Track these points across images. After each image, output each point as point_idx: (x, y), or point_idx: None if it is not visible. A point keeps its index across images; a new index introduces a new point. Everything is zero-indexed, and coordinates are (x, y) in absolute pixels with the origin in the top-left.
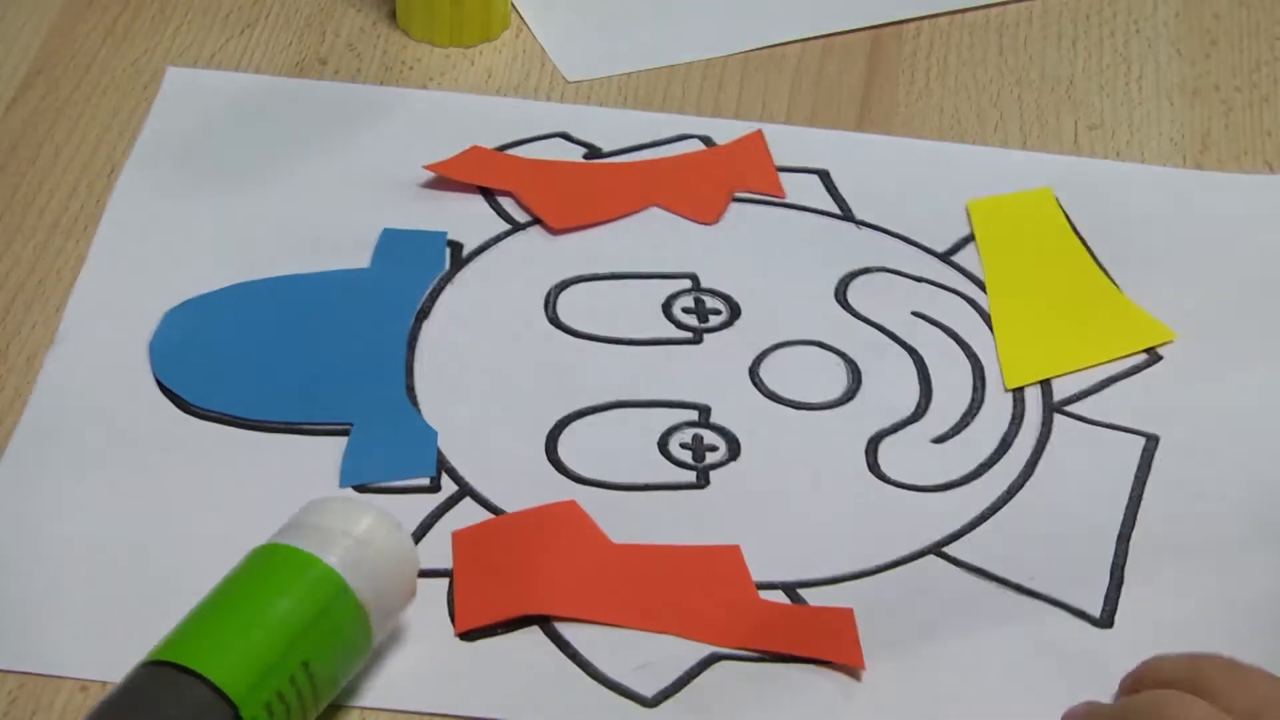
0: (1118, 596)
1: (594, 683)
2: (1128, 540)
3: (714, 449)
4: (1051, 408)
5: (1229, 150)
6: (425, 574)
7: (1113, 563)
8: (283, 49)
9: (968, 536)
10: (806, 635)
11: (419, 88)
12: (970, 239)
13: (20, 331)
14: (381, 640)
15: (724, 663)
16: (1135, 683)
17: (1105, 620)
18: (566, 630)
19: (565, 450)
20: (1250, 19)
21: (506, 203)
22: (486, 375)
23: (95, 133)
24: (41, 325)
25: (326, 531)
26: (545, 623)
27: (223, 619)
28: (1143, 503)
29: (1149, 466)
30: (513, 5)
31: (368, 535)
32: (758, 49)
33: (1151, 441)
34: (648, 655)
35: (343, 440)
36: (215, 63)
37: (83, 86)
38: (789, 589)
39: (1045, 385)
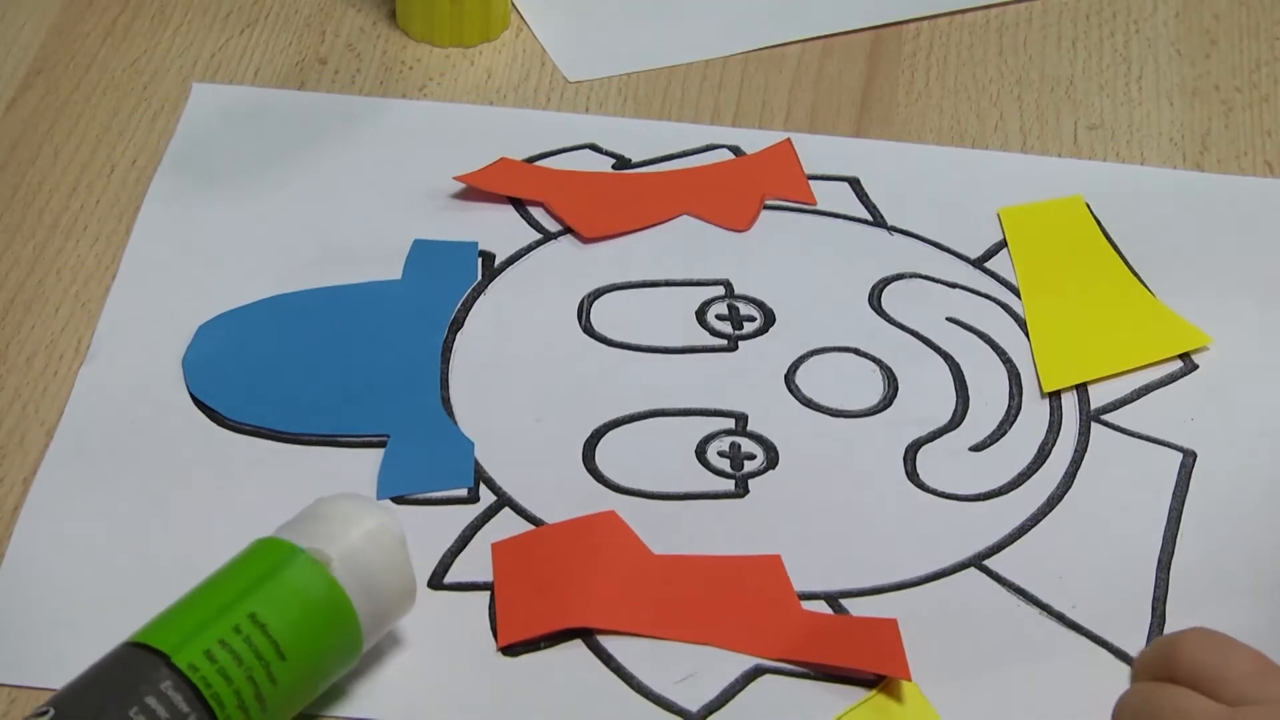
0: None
1: (638, 696)
2: (1168, 569)
3: (752, 457)
4: (1089, 416)
5: (1229, 150)
6: (465, 587)
7: (1154, 595)
8: (282, 49)
9: (1008, 550)
10: (851, 646)
11: (418, 88)
12: (1002, 245)
13: (20, 332)
14: (375, 611)
15: (768, 676)
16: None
17: None
18: (609, 643)
19: (603, 460)
20: (1250, 19)
21: (537, 212)
22: (522, 385)
23: (95, 133)
24: (40, 326)
25: (309, 519)
26: (588, 635)
27: (185, 599)
28: (1181, 525)
29: (1187, 485)
30: (513, 5)
31: (338, 510)
32: (758, 49)
33: (1189, 458)
34: (691, 668)
35: (380, 452)
36: (215, 63)
37: (83, 86)
38: (831, 599)
39: (1082, 393)
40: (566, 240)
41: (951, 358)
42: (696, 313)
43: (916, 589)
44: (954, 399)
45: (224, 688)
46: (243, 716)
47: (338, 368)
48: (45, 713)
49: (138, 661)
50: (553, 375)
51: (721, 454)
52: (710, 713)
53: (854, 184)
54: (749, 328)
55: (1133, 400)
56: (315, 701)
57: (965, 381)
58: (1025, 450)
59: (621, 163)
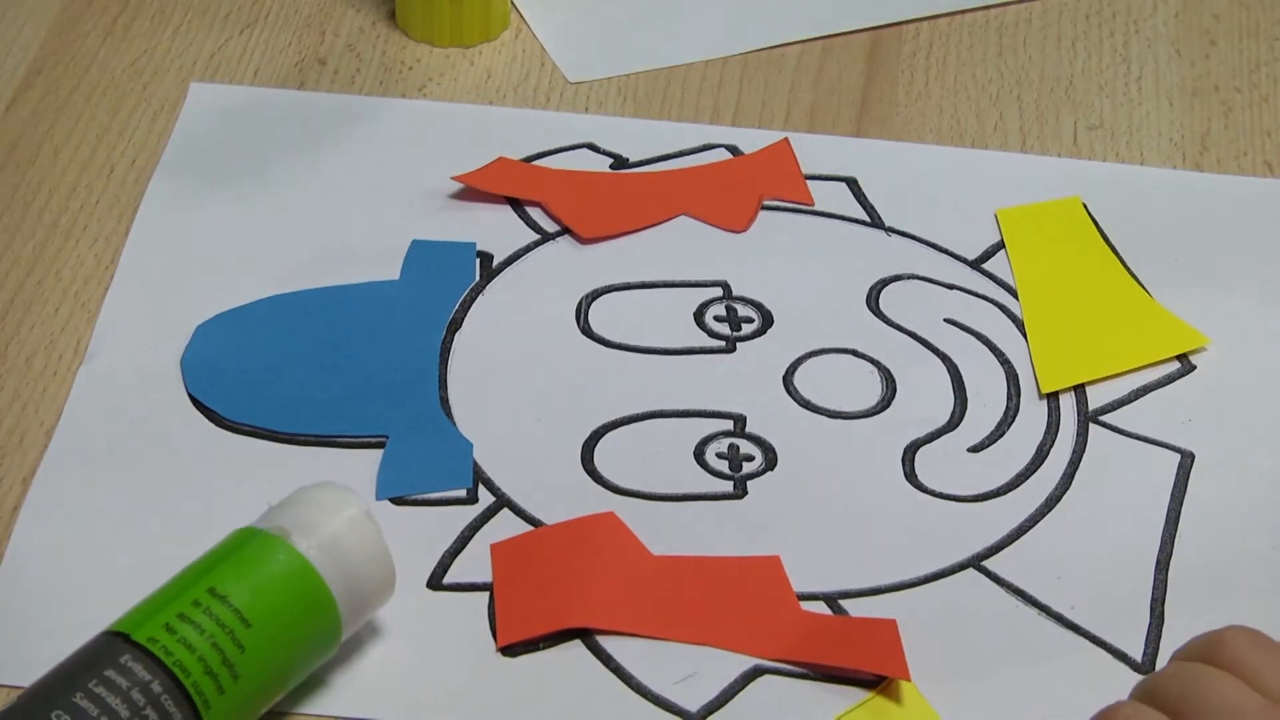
0: (1159, 638)
1: (638, 697)
2: (1166, 570)
3: (750, 458)
4: (1087, 417)
5: (1228, 150)
6: (464, 587)
7: (1152, 597)
8: (282, 49)
9: (1007, 550)
10: (850, 647)
11: (418, 88)
12: (1000, 246)
13: (19, 332)
14: (354, 591)
15: (767, 676)
16: None
17: (1147, 665)
18: (609, 644)
19: (602, 461)
20: (1250, 19)
21: (535, 213)
22: (520, 386)
23: (95, 133)
24: (40, 326)
25: (284, 506)
26: (587, 636)
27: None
28: (1179, 527)
29: (1185, 486)
30: (513, 5)
31: (313, 497)
32: (757, 49)
33: (1187, 459)
34: (690, 668)
35: (378, 453)
36: (215, 63)
37: (82, 86)
38: (830, 600)
39: (1080, 394)
40: (565, 241)
41: (949, 359)
42: (695, 314)
43: (915, 590)
44: (952, 400)
45: (186, 655)
46: (211, 681)
47: (336, 368)
48: (12, 703)
49: (101, 645)
50: (551, 376)
51: (720, 455)
52: (710, 713)
53: (852, 184)
54: (747, 329)
55: (1131, 401)
56: (314, 701)
57: (963, 382)
58: (1023, 451)
59: (619, 162)
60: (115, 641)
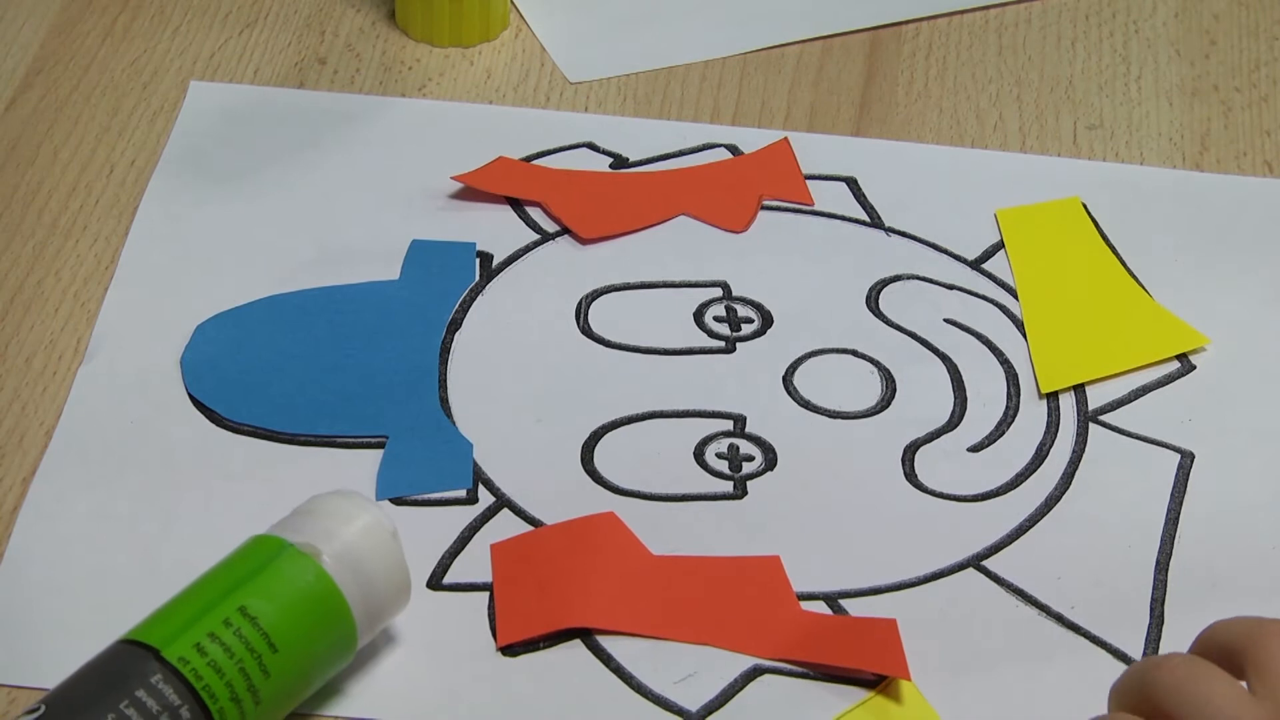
0: (1159, 638)
1: (638, 696)
2: (1166, 570)
3: (750, 459)
4: (1086, 417)
5: (1228, 150)
6: (464, 587)
7: (1152, 597)
8: (282, 49)
9: (1006, 550)
10: (850, 646)
11: (418, 88)
12: (1000, 246)
13: (19, 332)
14: (370, 606)
15: (767, 676)
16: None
17: None
18: (608, 643)
19: (602, 461)
20: (1250, 19)
21: (535, 213)
22: (520, 386)
23: (94, 133)
24: (40, 326)
25: (302, 515)
26: (587, 636)
27: (177, 597)
28: (1179, 527)
29: (1185, 486)
30: (513, 5)
31: (331, 507)
32: (757, 49)
33: (1187, 459)
34: (690, 668)
35: (378, 453)
36: (214, 63)
37: (82, 86)
38: (830, 599)
39: (1080, 394)
40: (564, 241)
41: (949, 359)
42: (694, 314)
43: (915, 589)
44: (952, 400)
45: (215, 680)
46: (235, 708)
47: (336, 368)
48: (36, 710)
49: (129, 657)
50: (551, 376)
51: (720, 455)
52: (710, 713)
53: (851, 184)
54: (747, 329)
55: (1130, 401)
56: (314, 700)
57: (963, 382)
58: (1023, 451)
59: (619, 162)
60: (145, 657)
